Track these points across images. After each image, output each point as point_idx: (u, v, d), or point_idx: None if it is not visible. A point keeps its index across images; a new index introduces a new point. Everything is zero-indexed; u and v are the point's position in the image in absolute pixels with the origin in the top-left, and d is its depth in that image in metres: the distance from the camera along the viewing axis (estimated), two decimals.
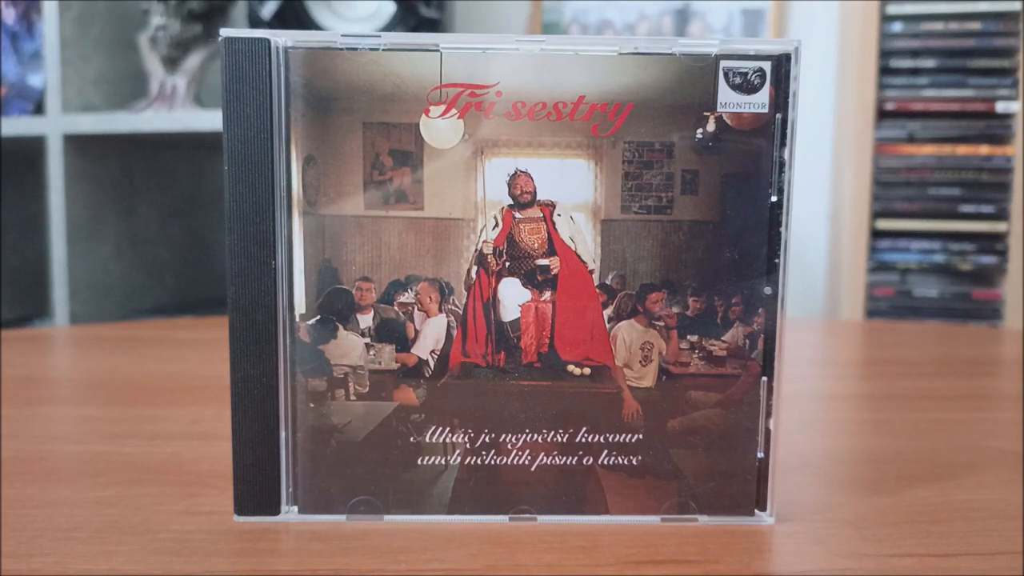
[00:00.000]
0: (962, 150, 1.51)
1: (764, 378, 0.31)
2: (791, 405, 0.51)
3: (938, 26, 1.51)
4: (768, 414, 0.31)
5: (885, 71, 1.52)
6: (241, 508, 0.31)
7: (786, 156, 0.29)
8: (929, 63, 1.52)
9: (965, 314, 1.53)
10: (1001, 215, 1.50)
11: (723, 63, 0.29)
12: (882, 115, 1.53)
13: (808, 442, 0.43)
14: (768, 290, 0.30)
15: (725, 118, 0.29)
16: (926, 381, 0.60)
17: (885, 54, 1.52)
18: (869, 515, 0.33)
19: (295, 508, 0.31)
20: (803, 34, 1.86)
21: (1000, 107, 1.49)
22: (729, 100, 0.29)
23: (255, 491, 0.31)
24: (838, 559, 0.29)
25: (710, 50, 0.29)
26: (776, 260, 0.30)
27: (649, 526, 0.31)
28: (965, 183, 1.51)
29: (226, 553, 0.29)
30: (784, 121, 0.29)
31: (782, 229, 0.30)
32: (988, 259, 1.51)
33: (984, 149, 1.50)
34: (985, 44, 1.49)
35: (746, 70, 0.29)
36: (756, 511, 0.31)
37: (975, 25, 1.49)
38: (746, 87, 0.29)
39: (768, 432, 0.31)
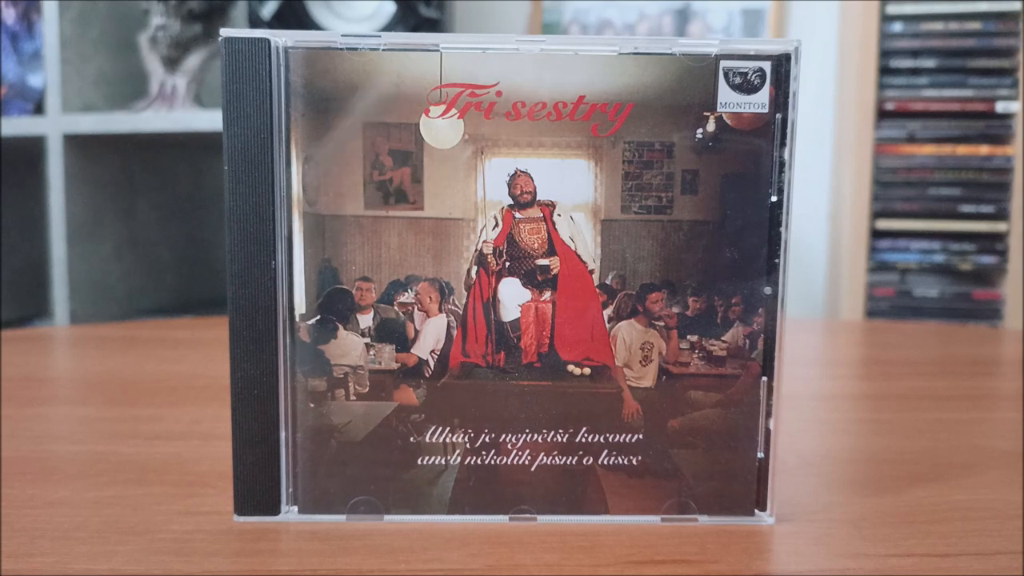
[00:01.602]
0: (962, 150, 1.51)
1: (764, 378, 0.31)
2: (791, 405, 0.51)
3: (938, 26, 1.51)
4: (768, 414, 0.31)
5: (885, 71, 1.52)
6: (241, 508, 0.31)
7: (786, 156, 0.29)
8: (929, 63, 1.52)
9: (965, 314, 1.53)
10: (1001, 215, 1.50)
11: (723, 63, 0.29)
12: (882, 115, 1.53)
13: (808, 442, 0.43)
14: (768, 290, 0.30)
15: (725, 118, 0.29)
16: (926, 381, 0.60)
17: (885, 54, 1.52)
18: (869, 515, 0.33)
19: (295, 508, 0.31)
20: (803, 34, 1.86)
21: (1000, 107, 1.49)
22: (729, 100, 0.29)
23: (255, 491, 0.31)
24: (838, 559, 0.29)
25: (710, 50, 0.29)
26: (776, 260, 0.30)
27: (649, 526, 0.31)
28: (965, 183, 1.51)
29: (226, 553, 0.29)
30: (784, 121, 0.29)
31: (782, 229, 0.30)
32: (988, 259, 1.51)
33: (984, 149, 1.50)
34: (985, 44, 1.49)
35: (746, 70, 0.29)
36: (756, 511, 0.31)
37: (975, 25, 1.49)
38: (746, 87, 0.29)
39: (768, 432, 0.31)
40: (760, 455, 0.31)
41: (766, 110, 0.29)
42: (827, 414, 0.50)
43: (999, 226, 1.50)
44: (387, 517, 0.31)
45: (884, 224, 1.54)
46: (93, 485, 0.35)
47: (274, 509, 0.31)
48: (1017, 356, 0.71)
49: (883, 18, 1.52)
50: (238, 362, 0.30)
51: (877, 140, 1.52)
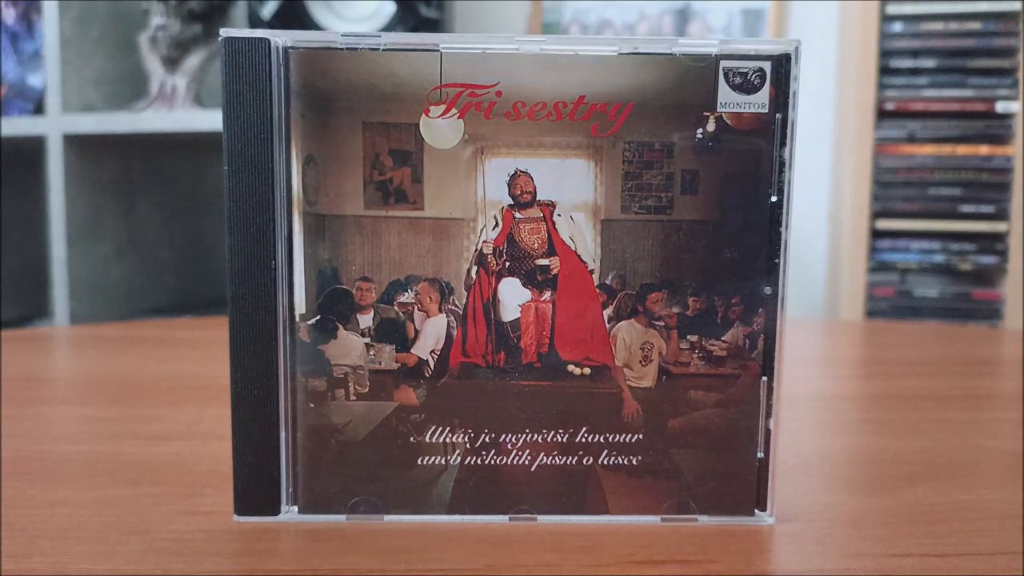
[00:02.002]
0: (962, 150, 1.51)
1: (764, 378, 0.31)
2: (791, 405, 0.51)
3: (938, 26, 1.51)
4: (768, 414, 0.31)
5: (885, 71, 1.52)
6: (241, 508, 0.31)
7: (786, 156, 0.29)
8: (929, 63, 1.52)
9: (965, 314, 1.53)
10: (1001, 215, 1.50)
11: (723, 63, 0.29)
12: (882, 115, 1.53)
13: (808, 442, 0.43)
14: (768, 290, 0.30)
15: (725, 118, 0.29)
16: (926, 381, 0.60)
17: (885, 54, 1.52)
18: (869, 515, 0.33)
19: (295, 508, 0.31)
20: (803, 34, 1.86)
21: (1000, 107, 1.49)
22: (729, 100, 0.29)
23: (255, 491, 0.31)
24: (838, 559, 0.29)
25: (710, 50, 0.29)
26: (776, 260, 0.30)
27: (649, 526, 0.31)
28: (965, 183, 1.51)
29: (226, 553, 0.29)
30: (784, 121, 0.29)
31: (782, 229, 0.30)
32: (988, 259, 1.51)
33: (984, 149, 1.50)
34: (985, 44, 1.49)
35: (746, 70, 0.29)
36: (756, 511, 0.31)
37: (975, 25, 1.49)
38: (746, 87, 0.29)
39: (768, 432, 0.31)
40: (760, 455, 0.31)
41: (766, 110, 0.29)
42: (827, 414, 0.50)
43: (999, 226, 1.50)
44: (387, 517, 0.31)
45: (884, 224, 1.54)
46: (93, 485, 0.35)
47: (274, 509, 0.31)
48: (1017, 356, 0.71)
49: (883, 18, 1.52)
50: (238, 362, 0.30)
51: (877, 140, 1.52)
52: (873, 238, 1.54)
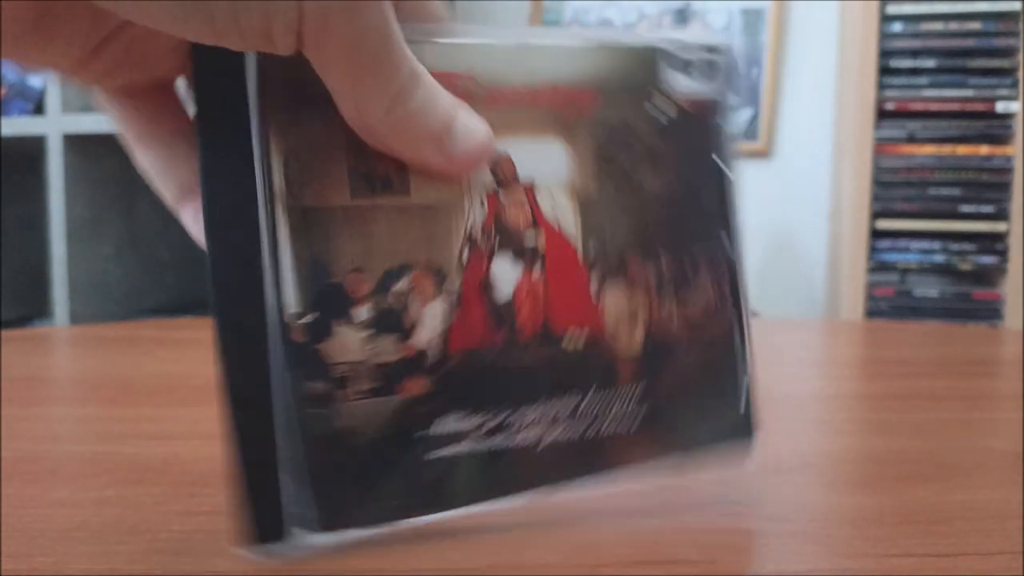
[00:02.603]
0: (962, 150, 1.51)
1: (736, 318, 0.34)
2: (791, 405, 0.51)
3: (938, 26, 1.51)
4: (743, 341, 0.34)
5: (885, 71, 1.53)
6: (247, 540, 0.28)
7: (729, 132, 0.35)
8: (929, 63, 1.52)
9: (965, 314, 1.53)
10: (1001, 215, 1.50)
11: (676, 53, 0.33)
12: (882, 115, 1.54)
13: (808, 442, 0.43)
14: (728, 241, 0.34)
15: (682, 102, 0.34)
16: (926, 381, 0.60)
17: (885, 54, 1.52)
18: (869, 515, 0.33)
19: (312, 530, 0.28)
20: (803, 34, 1.86)
21: (1000, 107, 1.49)
22: (683, 86, 0.34)
23: (260, 519, 0.28)
24: (838, 559, 0.29)
25: (663, 45, 0.33)
26: (729, 217, 0.35)
27: (649, 526, 0.31)
28: (965, 183, 1.51)
29: (226, 553, 0.29)
30: (725, 104, 0.35)
31: (732, 194, 0.35)
32: (988, 259, 1.51)
33: (984, 149, 1.50)
34: (985, 44, 1.49)
35: (697, 59, 0.34)
36: (751, 437, 0.34)
37: (975, 25, 1.50)
38: (699, 74, 0.34)
39: (748, 360, 0.34)
40: (746, 381, 0.34)
41: (716, 96, 0.34)
42: (827, 414, 0.50)
43: (999, 226, 1.50)
44: (407, 522, 0.29)
45: (884, 224, 1.54)
46: (93, 485, 0.35)
47: (279, 534, 0.28)
48: (1017, 356, 0.71)
49: (883, 18, 1.52)
50: (230, 375, 0.28)
51: (877, 140, 1.52)
52: (873, 238, 1.54)
